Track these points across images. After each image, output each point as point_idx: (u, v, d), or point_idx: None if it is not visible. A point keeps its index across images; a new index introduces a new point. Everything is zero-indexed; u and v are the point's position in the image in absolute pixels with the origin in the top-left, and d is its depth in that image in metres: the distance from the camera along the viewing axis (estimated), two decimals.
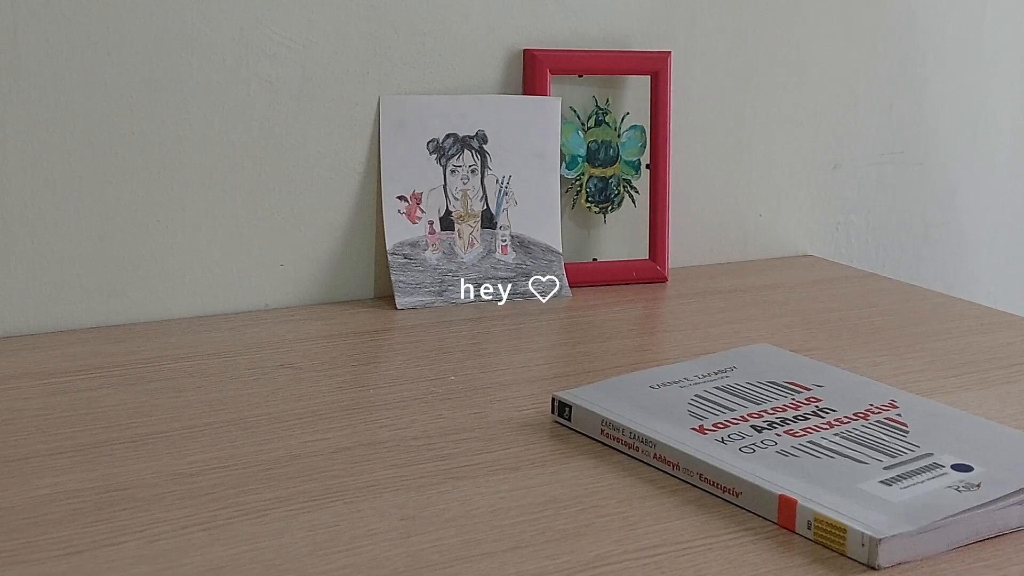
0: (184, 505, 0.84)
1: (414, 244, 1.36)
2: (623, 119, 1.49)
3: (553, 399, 1.01)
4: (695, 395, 1.01)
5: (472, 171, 1.40)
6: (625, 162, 1.49)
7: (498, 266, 1.39)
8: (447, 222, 1.38)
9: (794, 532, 0.82)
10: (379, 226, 1.36)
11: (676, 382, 1.04)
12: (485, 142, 1.40)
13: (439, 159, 1.38)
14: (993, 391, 1.11)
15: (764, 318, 1.35)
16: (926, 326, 1.32)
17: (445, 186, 1.38)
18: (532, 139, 1.42)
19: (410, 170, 1.37)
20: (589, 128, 1.47)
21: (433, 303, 1.35)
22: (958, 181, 1.77)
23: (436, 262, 1.37)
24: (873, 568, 0.77)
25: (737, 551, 0.80)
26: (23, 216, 1.22)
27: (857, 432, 0.94)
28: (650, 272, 1.49)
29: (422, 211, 1.37)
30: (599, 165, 1.48)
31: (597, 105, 1.47)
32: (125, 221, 1.26)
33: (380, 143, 1.36)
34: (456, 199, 1.39)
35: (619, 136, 1.48)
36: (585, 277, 1.45)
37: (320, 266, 1.36)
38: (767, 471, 0.86)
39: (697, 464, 0.88)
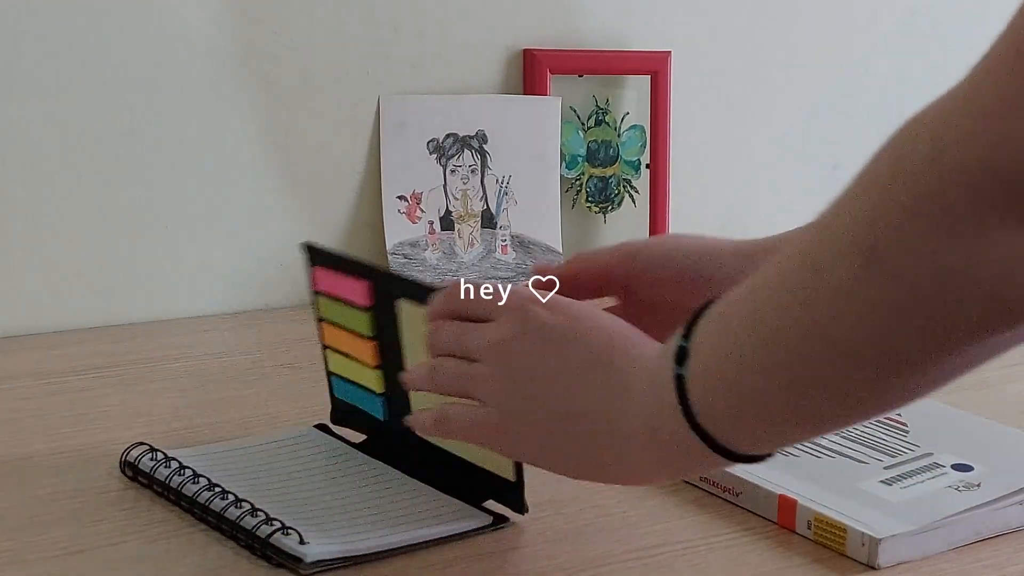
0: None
1: (414, 244, 1.36)
2: (623, 119, 1.49)
3: None
4: None
5: (472, 171, 1.40)
6: (625, 162, 1.49)
7: (498, 266, 1.39)
8: (447, 222, 1.38)
9: (794, 532, 0.82)
10: (379, 226, 1.36)
11: None
12: (485, 142, 1.40)
13: (439, 159, 1.38)
14: (993, 391, 1.11)
15: None
16: None
17: (445, 186, 1.38)
18: (532, 139, 1.42)
19: (410, 170, 1.37)
20: (589, 128, 1.47)
21: None
22: None
23: (436, 262, 1.37)
24: (873, 568, 0.77)
25: (737, 551, 0.80)
26: (23, 216, 1.22)
27: (857, 432, 0.94)
28: None
29: (422, 211, 1.37)
30: (599, 165, 1.48)
31: (597, 105, 1.47)
32: (125, 221, 1.26)
33: (380, 143, 1.36)
34: (456, 199, 1.39)
35: (619, 136, 1.49)
36: None
37: None
38: (767, 471, 0.86)
39: None
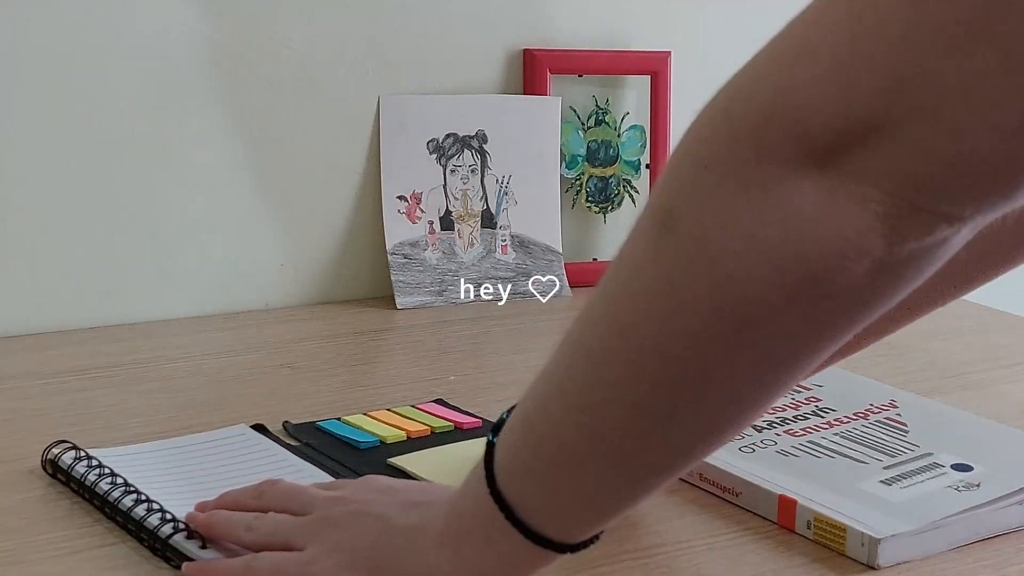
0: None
1: (414, 244, 1.36)
2: (623, 119, 1.49)
3: None
4: None
5: (472, 171, 1.39)
6: (625, 162, 1.49)
7: (498, 266, 1.39)
8: (447, 222, 1.38)
9: (794, 532, 0.82)
10: (379, 226, 1.36)
11: None
12: (485, 142, 1.40)
13: (439, 159, 1.38)
14: (993, 391, 1.11)
15: None
16: (926, 326, 1.32)
17: (445, 186, 1.38)
18: (532, 139, 1.42)
19: (410, 170, 1.37)
20: (589, 128, 1.47)
21: (433, 303, 1.35)
22: None
23: (436, 262, 1.37)
24: (873, 568, 0.77)
25: (737, 551, 0.80)
26: (23, 216, 1.22)
27: (857, 432, 0.94)
28: None
29: (422, 211, 1.37)
30: (599, 165, 1.48)
31: (597, 105, 1.47)
32: (125, 221, 1.26)
33: (380, 143, 1.36)
34: (456, 199, 1.39)
35: (619, 136, 1.48)
36: (585, 277, 1.44)
37: (320, 266, 1.36)
38: (767, 471, 0.86)
39: (697, 464, 0.88)
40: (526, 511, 0.61)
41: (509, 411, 0.64)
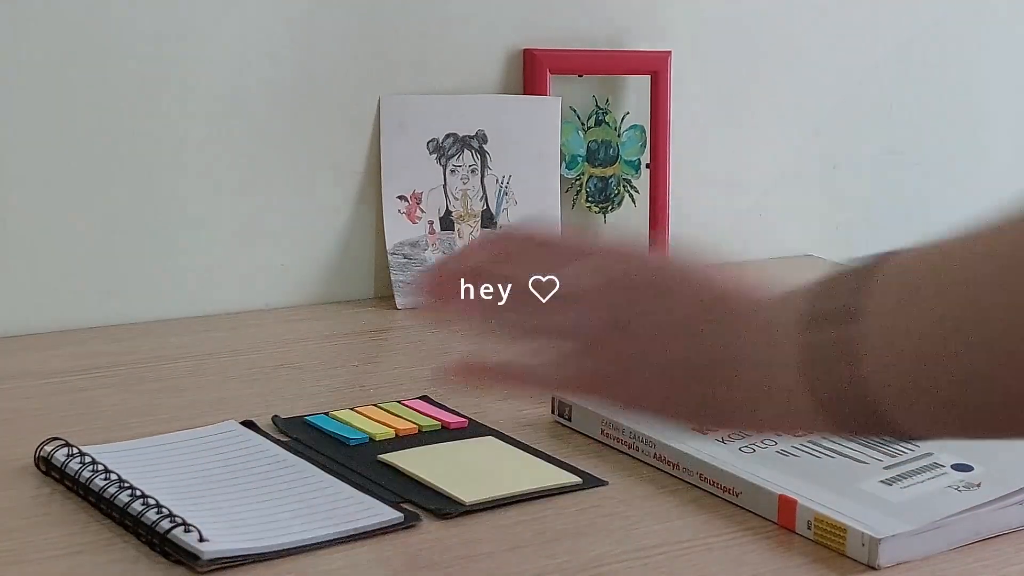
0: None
1: (414, 244, 1.36)
2: (623, 119, 1.49)
3: (553, 399, 1.01)
4: None
5: (472, 171, 1.40)
6: (625, 162, 1.49)
7: None
8: (447, 222, 1.38)
9: (794, 532, 0.82)
10: (379, 226, 1.36)
11: None
12: (485, 142, 1.40)
13: (439, 159, 1.38)
14: None
15: None
16: None
17: (445, 186, 1.38)
18: (532, 139, 1.42)
19: (410, 170, 1.37)
20: (589, 128, 1.47)
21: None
22: (958, 181, 1.77)
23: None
24: (873, 568, 0.77)
25: (737, 551, 0.80)
26: (23, 216, 1.22)
27: None
28: None
29: (422, 211, 1.37)
30: (599, 165, 1.48)
31: (597, 105, 1.47)
32: (125, 221, 1.26)
33: (380, 143, 1.36)
34: (456, 199, 1.39)
35: (619, 136, 1.48)
36: None
37: (320, 266, 1.36)
38: (767, 471, 0.86)
39: (697, 464, 0.88)
40: None
41: None
